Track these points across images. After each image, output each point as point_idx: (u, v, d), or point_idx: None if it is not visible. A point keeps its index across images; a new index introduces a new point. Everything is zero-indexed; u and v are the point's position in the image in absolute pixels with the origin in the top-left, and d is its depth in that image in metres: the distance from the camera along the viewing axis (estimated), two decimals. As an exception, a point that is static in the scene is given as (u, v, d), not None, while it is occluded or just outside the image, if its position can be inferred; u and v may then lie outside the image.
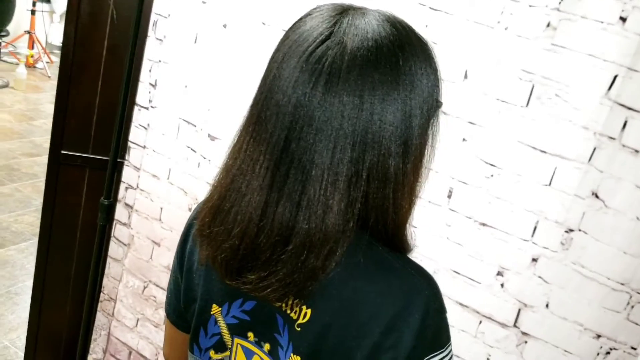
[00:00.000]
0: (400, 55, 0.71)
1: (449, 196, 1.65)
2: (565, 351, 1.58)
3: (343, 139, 0.68)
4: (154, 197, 2.21)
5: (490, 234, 1.62)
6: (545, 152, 1.51)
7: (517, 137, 1.54)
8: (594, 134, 1.45)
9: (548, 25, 1.46)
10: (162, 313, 2.32)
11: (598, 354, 1.55)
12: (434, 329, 0.75)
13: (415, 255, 0.82)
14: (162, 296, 2.29)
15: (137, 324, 2.40)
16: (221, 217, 0.75)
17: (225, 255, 0.75)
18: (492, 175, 1.59)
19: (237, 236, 0.72)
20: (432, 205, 1.67)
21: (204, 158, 2.03)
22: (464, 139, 1.59)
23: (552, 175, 1.52)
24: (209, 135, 2.00)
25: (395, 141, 0.71)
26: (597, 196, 1.48)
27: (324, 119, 0.68)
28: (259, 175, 0.71)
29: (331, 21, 0.72)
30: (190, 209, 2.11)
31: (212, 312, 0.87)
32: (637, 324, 1.50)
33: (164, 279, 2.26)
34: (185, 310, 0.94)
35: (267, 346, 0.81)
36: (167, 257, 2.23)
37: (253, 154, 0.72)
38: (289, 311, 0.78)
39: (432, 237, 1.68)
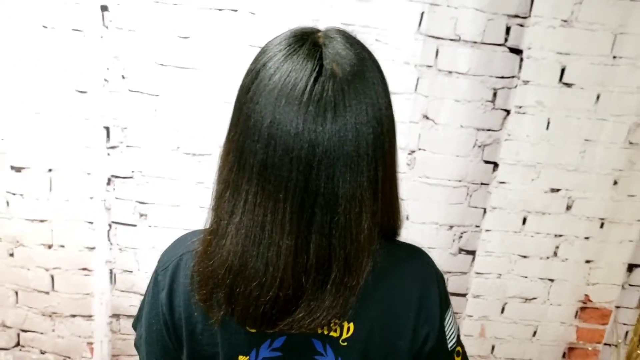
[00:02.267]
0: (376, 66, 0.75)
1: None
2: (430, 247, 1.87)
3: (361, 160, 0.70)
4: (-50, 255, 1.83)
5: (344, 175, 1.77)
6: (377, 91, 1.66)
7: (350, 84, 1.65)
8: (414, 66, 1.64)
9: (356, -23, 1.55)
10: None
11: (454, 240, 1.87)
12: (444, 292, 0.88)
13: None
14: None
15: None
16: (245, 275, 0.72)
17: (263, 308, 0.74)
18: (335, 124, 1.70)
19: (276, 286, 0.71)
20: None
21: (13, 194, 1.73)
22: (304, 99, 1.65)
23: (388, 110, 1.69)
24: (12, 167, 1.69)
25: (395, 143, 0.76)
26: (427, 117, 1.71)
27: (339, 147, 0.69)
28: (283, 223, 0.70)
29: (314, 55, 0.70)
30: (11, 254, 1.81)
31: None
32: (476, 207, 1.84)
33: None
34: None
35: None
36: (8, 316, 1.91)
37: (268, 203, 0.70)
38: (326, 332, 0.81)
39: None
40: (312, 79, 0.68)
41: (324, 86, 0.68)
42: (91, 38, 1.57)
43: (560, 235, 1.87)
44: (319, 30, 0.75)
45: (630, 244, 1.88)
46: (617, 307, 1.99)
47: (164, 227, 1.78)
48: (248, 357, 0.83)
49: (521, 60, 1.66)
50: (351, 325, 0.80)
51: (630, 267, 1.94)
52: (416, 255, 0.88)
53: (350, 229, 0.71)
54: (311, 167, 0.68)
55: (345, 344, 0.81)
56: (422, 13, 1.59)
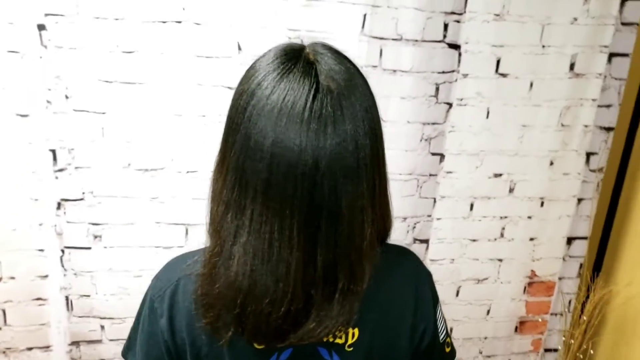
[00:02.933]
0: (364, 78, 0.78)
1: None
2: (386, 241, 1.92)
3: (360, 171, 0.72)
4: None
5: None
6: (326, 94, 1.69)
7: (299, 88, 1.67)
8: (361, 67, 1.68)
9: (299, -17, 1.57)
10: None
11: (408, 231, 1.94)
12: (434, 289, 0.94)
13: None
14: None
15: None
16: (255, 294, 0.72)
17: (275, 324, 0.75)
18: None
19: (287, 302, 0.73)
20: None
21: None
22: (256, 106, 1.65)
23: (338, 111, 1.72)
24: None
25: (384, 149, 0.79)
26: (376, 115, 1.76)
27: (340, 160, 0.70)
28: (290, 239, 0.71)
29: (309, 72, 0.71)
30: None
31: None
32: (426, 197, 1.91)
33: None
34: None
35: None
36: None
37: (273, 220, 0.71)
38: (331, 339, 0.83)
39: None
40: (310, 96, 0.69)
41: (322, 102, 0.70)
42: (29, 59, 1.51)
43: (505, 217, 1.97)
44: (304, 46, 0.76)
45: (567, 219, 2.02)
46: (560, 278, 2.13)
47: (120, 246, 1.74)
48: None
49: (459, 54, 1.74)
50: (355, 330, 0.84)
51: (569, 240, 2.08)
52: (407, 256, 0.94)
53: (354, 238, 0.74)
54: (315, 182, 0.70)
55: (351, 349, 0.84)
56: (365, 15, 1.63)
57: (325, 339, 0.81)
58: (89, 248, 1.73)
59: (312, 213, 0.71)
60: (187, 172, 1.70)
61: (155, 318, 0.84)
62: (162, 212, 1.73)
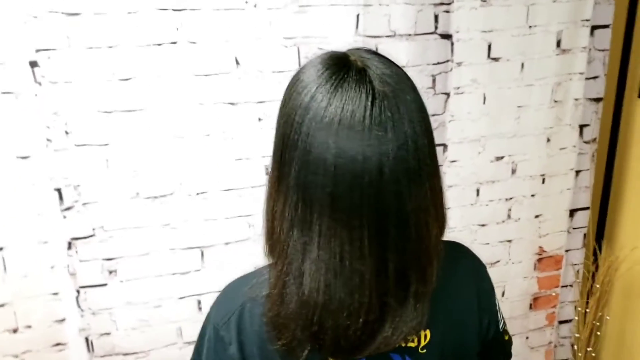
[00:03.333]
0: (408, 77, 0.76)
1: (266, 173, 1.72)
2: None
3: (422, 172, 0.72)
4: None
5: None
6: (327, 98, 1.69)
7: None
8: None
9: (291, -9, 1.56)
10: None
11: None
12: (490, 280, 0.94)
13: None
14: None
15: None
16: (331, 309, 0.71)
17: (353, 337, 0.74)
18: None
19: (364, 312, 0.72)
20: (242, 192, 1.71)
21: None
22: (259, 119, 1.64)
23: (340, 114, 1.72)
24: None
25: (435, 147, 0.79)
26: (377, 114, 1.76)
27: (402, 164, 0.69)
28: (361, 249, 0.70)
29: (363, 79, 0.70)
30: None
31: None
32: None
33: None
34: None
35: None
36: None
37: (342, 233, 0.70)
38: (403, 344, 0.82)
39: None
40: (369, 103, 0.68)
41: (381, 108, 0.69)
42: (24, 98, 1.45)
43: (511, 198, 2.00)
44: (348, 54, 0.75)
45: (568, 192, 2.06)
46: (567, 250, 2.17)
47: (137, 278, 1.69)
48: None
49: (452, 44, 1.76)
50: (427, 332, 0.83)
51: (571, 213, 2.12)
52: (462, 250, 0.94)
53: (422, 240, 0.73)
54: (380, 189, 0.69)
55: (425, 351, 0.83)
56: (358, 15, 1.63)
57: (396, 345, 0.81)
58: (105, 284, 1.67)
59: (380, 220, 0.70)
60: (197, 194, 1.66)
61: (223, 346, 0.82)
62: (176, 238, 1.69)
